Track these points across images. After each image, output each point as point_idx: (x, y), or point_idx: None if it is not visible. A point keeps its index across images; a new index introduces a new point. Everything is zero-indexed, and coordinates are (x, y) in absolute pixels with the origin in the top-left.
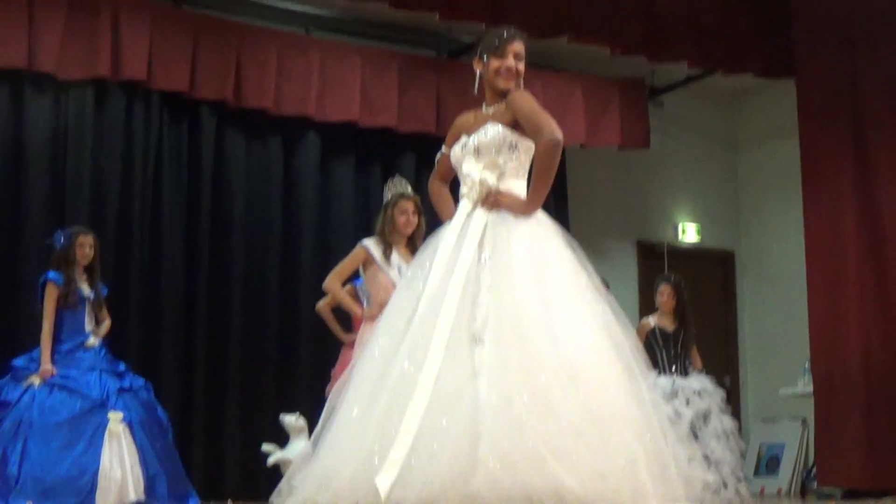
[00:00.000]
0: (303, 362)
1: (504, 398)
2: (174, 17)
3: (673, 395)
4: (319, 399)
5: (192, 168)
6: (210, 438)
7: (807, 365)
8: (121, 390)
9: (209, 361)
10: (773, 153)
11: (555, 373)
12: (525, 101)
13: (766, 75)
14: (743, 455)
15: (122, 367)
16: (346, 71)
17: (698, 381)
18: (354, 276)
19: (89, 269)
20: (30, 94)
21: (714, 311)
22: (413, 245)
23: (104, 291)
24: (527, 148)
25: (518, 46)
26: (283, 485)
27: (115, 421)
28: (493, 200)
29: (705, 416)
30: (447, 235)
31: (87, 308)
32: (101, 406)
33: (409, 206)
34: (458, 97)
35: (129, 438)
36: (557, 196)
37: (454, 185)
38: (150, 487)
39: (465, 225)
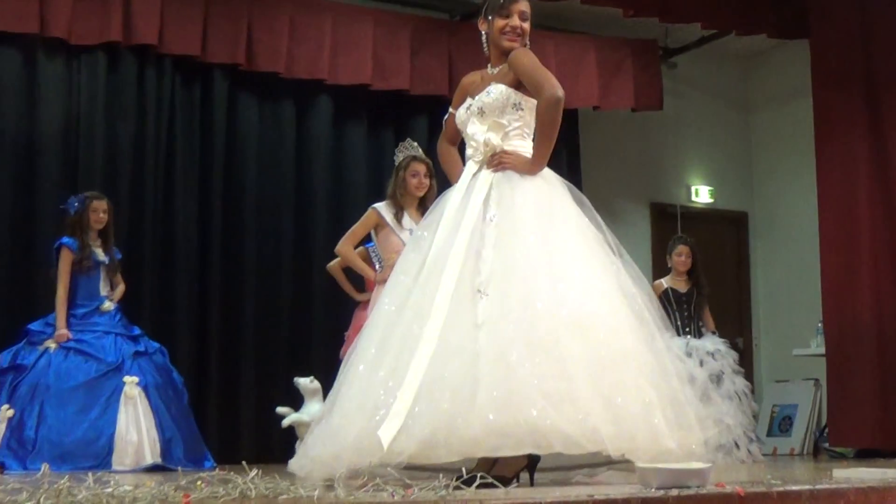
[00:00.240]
0: (316, 325)
1: (504, 347)
2: None
3: (686, 356)
4: (333, 362)
5: (204, 132)
6: (225, 401)
7: (819, 326)
8: (136, 354)
9: (223, 325)
10: (787, 115)
11: (560, 323)
12: (526, 59)
13: (779, 36)
14: (756, 416)
15: (136, 331)
16: (358, 34)
17: (711, 343)
18: (366, 240)
19: (103, 234)
20: (42, 59)
21: (727, 272)
22: (424, 207)
23: (118, 256)
24: (531, 107)
25: (523, 6)
26: (298, 447)
27: (131, 385)
28: (498, 160)
29: (718, 378)
30: (453, 196)
31: (102, 273)
32: (117, 370)
33: (421, 168)
34: (471, 60)
35: (145, 402)
36: (571, 158)
37: (463, 147)
38: (166, 450)
39: (470, 185)
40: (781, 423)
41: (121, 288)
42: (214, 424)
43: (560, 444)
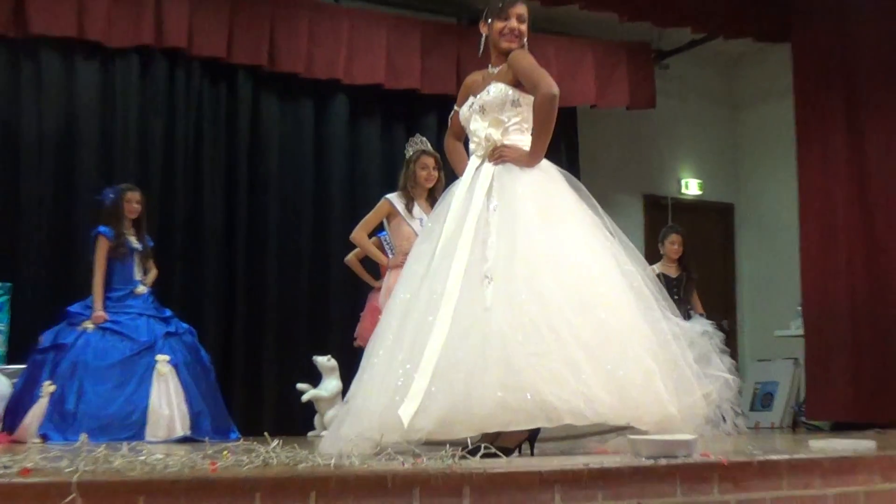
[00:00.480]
0: (333, 307)
1: (511, 329)
2: None
3: None
4: (349, 341)
5: (229, 129)
6: (249, 378)
7: (798, 309)
8: (167, 335)
9: (248, 307)
10: (770, 113)
11: (563, 303)
12: (523, 59)
13: (763, 40)
14: (740, 392)
15: (168, 313)
16: (373, 37)
17: (700, 325)
18: (379, 229)
19: (137, 223)
20: (80, 60)
21: (714, 259)
22: (433, 198)
23: (150, 243)
24: (529, 103)
25: (521, 9)
26: (317, 421)
27: (163, 363)
28: (498, 154)
29: (706, 357)
30: (458, 188)
31: (136, 259)
32: (150, 349)
33: (430, 161)
34: (477, 61)
35: (176, 379)
36: (569, 153)
37: (468, 141)
38: (195, 423)
39: (474, 178)
40: (763, 399)
41: (153, 273)
42: (239, 399)
43: (568, 417)
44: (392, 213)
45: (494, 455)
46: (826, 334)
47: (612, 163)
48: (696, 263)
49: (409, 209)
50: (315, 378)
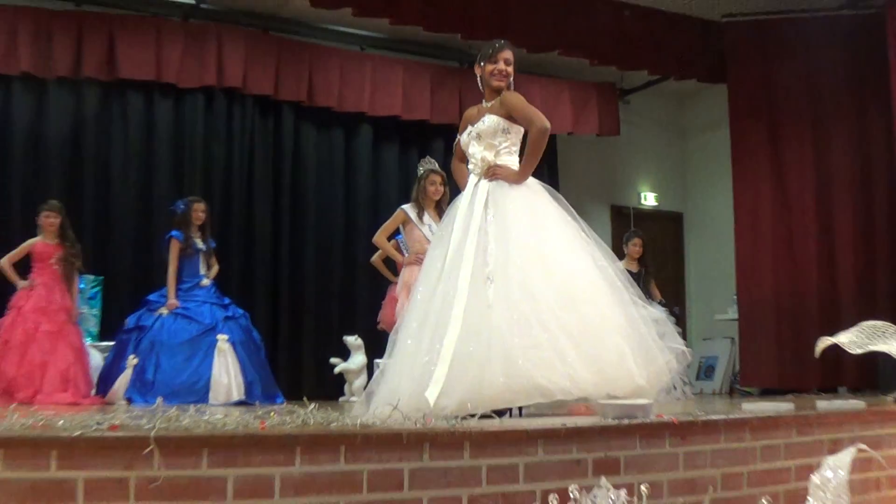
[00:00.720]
0: (359, 296)
1: (509, 324)
2: (263, 39)
3: None
4: (373, 324)
5: (276, 153)
6: (292, 354)
7: (734, 297)
8: (226, 318)
9: (290, 296)
10: (711, 140)
11: (551, 299)
12: (517, 100)
13: (705, 81)
14: (688, 365)
15: (226, 301)
16: (391, 78)
17: (656, 311)
18: (396, 233)
19: (202, 228)
20: (157, 98)
21: (668, 258)
22: (440, 208)
23: (213, 244)
24: (516, 131)
25: (507, 54)
26: (346, 389)
27: (223, 341)
28: (492, 172)
29: (666, 334)
30: (461, 203)
31: (201, 257)
32: (212, 330)
33: (437, 178)
34: (476, 97)
35: (233, 354)
36: (550, 171)
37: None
38: (248, 390)
39: (473, 193)
40: (706, 371)
41: (215, 268)
42: (284, 370)
43: (559, 394)
44: (406, 220)
45: (489, 417)
46: (755, 318)
47: (585, 179)
48: (653, 261)
49: (420, 217)
50: (345, 354)
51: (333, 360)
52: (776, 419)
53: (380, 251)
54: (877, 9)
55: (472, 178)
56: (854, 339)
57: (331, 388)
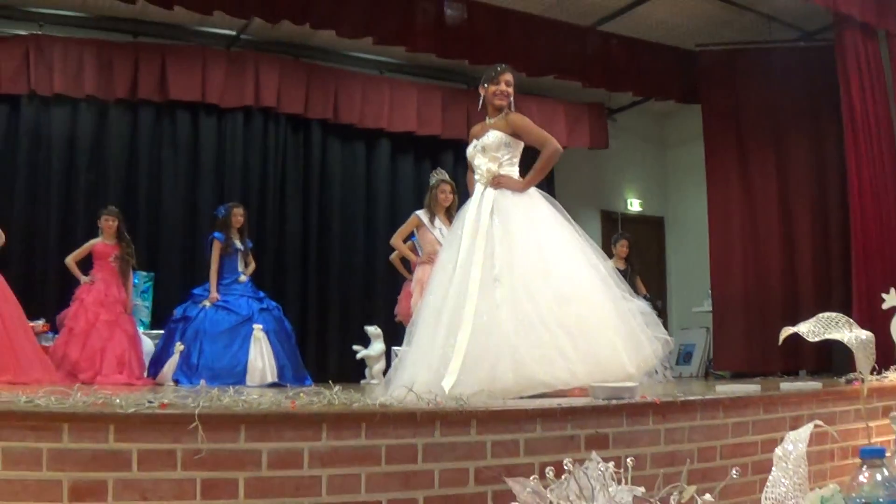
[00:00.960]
0: (378, 291)
1: (514, 324)
2: (295, 65)
3: None
4: (390, 316)
5: (305, 164)
6: (319, 341)
7: (709, 292)
8: (261, 310)
9: (318, 291)
10: (689, 152)
11: (551, 299)
12: (527, 123)
13: (682, 101)
14: (669, 352)
15: (262, 294)
16: (407, 98)
17: (642, 304)
18: (411, 235)
19: (240, 230)
20: (202, 117)
21: (651, 257)
22: (450, 214)
23: (250, 245)
24: (516, 145)
25: (508, 76)
26: (367, 373)
27: (258, 330)
28: (496, 182)
29: (652, 324)
30: (469, 209)
31: (239, 256)
32: (249, 320)
33: (447, 187)
34: (481, 115)
35: (267, 342)
36: (548, 180)
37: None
38: (280, 373)
39: (480, 201)
40: (685, 357)
41: (251, 266)
42: (312, 356)
43: (559, 385)
44: (420, 225)
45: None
46: (727, 310)
47: (578, 187)
48: (638, 260)
49: (431, 221)
50: (366, 341)
51: (356, 347)
52: (745, 399)
53: (396, 251)
54: (828, 42)
55: (479, 187)
56: (812, 329)
57: (353, 372)
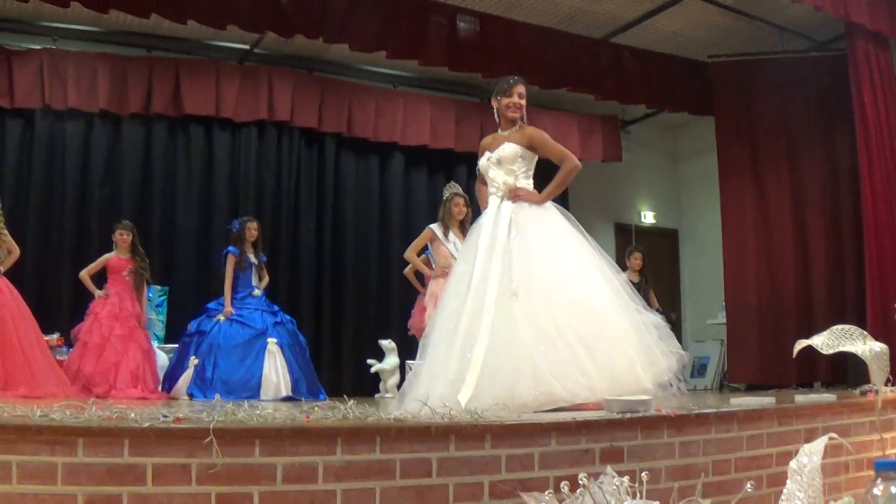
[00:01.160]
0: (392, 305)
1: (533, 339)
2: (308, 79)
3: None
4: (404, 329)
5: (319, 178)
6: (333, 355)
7: (723, 304)
8: (275, 324)
9: (332, 304)
10: (702, 164)
11: (569, 314)
12: (544, 137)
13: (695, 113)
14: (684, 365)
15: (276, 308)
16: (420, 111)
17: (656, 317)
18: (425, 249)
19: (254, 244)
20: (216, 131)
21: (664, 269)
22: (464, 227)
23: (264, 258)
24: (531, 157)
25: (521, 88)
26: (381, 387)
27: (272, 343)
28: (514, 194)
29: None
30: (485, 222)
31: (253, 270)
32: (263, 334)
33: (461, 200)
34: (495, 128)
35: (281, 355)
36: (562, 193)
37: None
38: (294, 387)
39: (496, 214)
40: (699, 369)
41: (265, 280)
42: (326, 370)
43: (578, 400)
44: (433, 238)
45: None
46: (741, 322)
47: (592, 200)
48: (652, 273)
49: (445, 235)
50: (380, 355)
51: (370, 361)
52: (760, 412)
53: (410, 265)
54: (840, 52)
55: (495, 200)
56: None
57: (368, 386)
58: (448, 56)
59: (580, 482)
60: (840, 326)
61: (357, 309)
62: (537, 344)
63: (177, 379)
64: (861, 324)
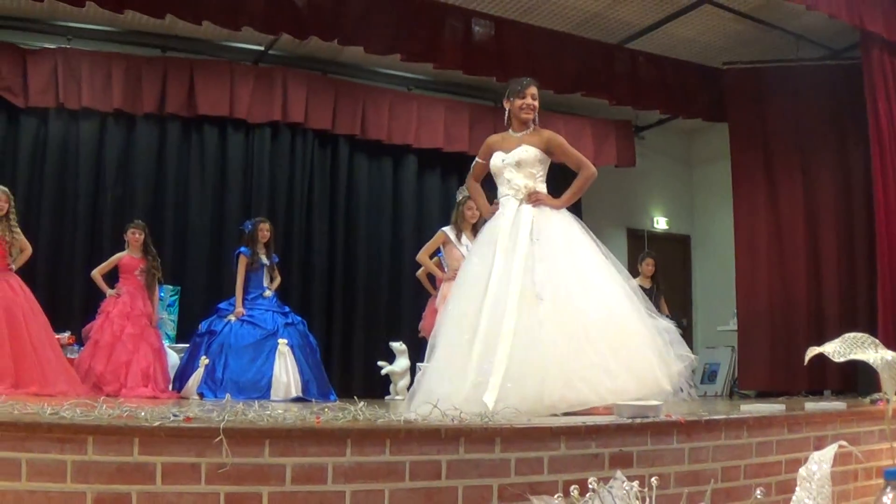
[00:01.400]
0: (403, 307)
1: (558, 341)
2: (322, 81)
3: None
4: (415, 332)
5: (332, 180)
6: (344, 356)
7: (734, 311)
8: (286, 324)
9: (343, 306)
10: (715, 170)
11: (593, 317)
12: (564, 143)
13: (709, 119)
14: (693, 371)
15: (286, 309)
16: (434, 114)
17: (667, 323)
18: (437, 251)
19: (266, 245)
20: (230, 132)
21: (676, 275)
22: (475, 230)
23: (276, 259)
24: (547, 161)
25: (533, 90)
26: (391, 389)
27: (283, 344)
28: (535, 198)
29: (677, 344)
30: (503, 224)
31: (265, 271)
32: (274, 335)
33: (474, 203)
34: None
35: (292, 356)
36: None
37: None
38: (305, 388)
39: (516, 217)
40: (710, 375)
41: (277, 281)
42: (337, 372)
43: (608, 402)
44: (446, 241)
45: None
46: (753, 329)
47: (604, 205)
48: (664, 279)
49: (458, 238)
50: (391, 357)
51: (380, 362)
52: (770, 419)
53: (423, 267)
54: (855, 60)
55: (513, 202)
56: (837, 349)
57: (378, 388)
58: (463, 59)
59: (590, 486)
60: (852, 334)
61: (368, 311)
62: (566, 346)
63: (187, 378)
64: (872, 332)
